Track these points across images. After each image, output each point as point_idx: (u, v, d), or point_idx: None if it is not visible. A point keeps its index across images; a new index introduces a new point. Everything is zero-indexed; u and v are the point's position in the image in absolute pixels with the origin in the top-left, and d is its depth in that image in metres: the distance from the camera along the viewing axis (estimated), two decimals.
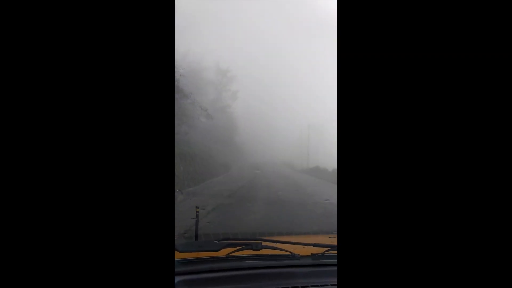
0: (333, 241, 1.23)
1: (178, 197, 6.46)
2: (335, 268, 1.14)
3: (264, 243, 1.13)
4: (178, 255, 1.03)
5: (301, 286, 1.01)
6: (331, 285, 1.01)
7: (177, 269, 0.94)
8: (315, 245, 1.18)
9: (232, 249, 1.10)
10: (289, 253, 1.13)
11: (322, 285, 1.02)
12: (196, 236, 1.37)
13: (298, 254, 1.14)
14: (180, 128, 9.55)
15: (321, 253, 1.16)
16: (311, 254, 1.16)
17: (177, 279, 0.93)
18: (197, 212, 1.44)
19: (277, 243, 1.20)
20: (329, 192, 8.03)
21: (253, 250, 1.10)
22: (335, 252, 1.14)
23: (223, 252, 1.08)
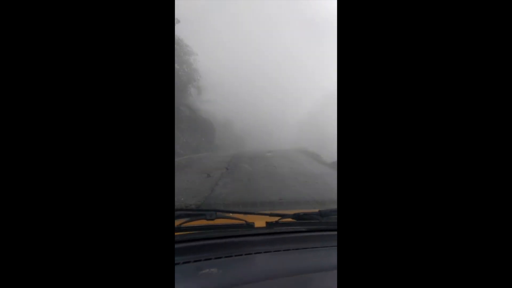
0: (292, 210, 1.35)
1: None
2: (288, 235, 1.19)
3: (218, 213, 1.19)
4: None
5: (255, 253, 1.07)
6: (284, 250, 1.10)
7: None
8: (270, 214, 1.28)
9: (185, 219, 1.15)
10: (244, 222, 1.20)
11: (275, 251, 1.09)
12: None
13: (253, 223, 1.20)
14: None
15: (275, 221, 1.24)
16: (266, 222, 1.23)
17: None
18: None
19: (232, 213, 1.27)
20: None
21: (207, 220, 1.15)
22: (289, 219, 1.26)
23: (177, 222, 1.12)
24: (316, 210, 1.29)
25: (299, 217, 1.27)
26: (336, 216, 1.27)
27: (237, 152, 14.23)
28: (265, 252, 1.08)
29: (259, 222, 1.24)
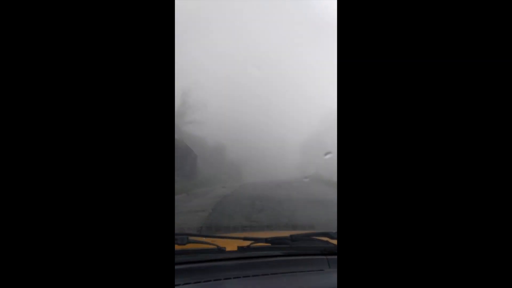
0: (267, 234, 1.44)
1: None
2: (259, 259, 1.28)
3: (190, 238, 1.24)
4: None
5: (224, 278, 1.13)
6: (253, 276, 1.17)
7: None
8: (243, 238, 1.33)
9: None
10: (215, 246, 1.25)
11: (244, 276, 1.16)
12: None
13: (224, 248, 1.25)
14: None
15: (247, 245, 1.29)
16: (237, 246, 1.28)
17: None
18: None
19: (205, 238, 1.34)
20: None
21: (179, 244, 1.19)
22: (261, 244, 1.32)
23: None
24: (287, 235, 1.37)
25: (271, 242, 1.35)
26: (306, 241, 1.39)
27: (233, 190, 11.12)
28: (234, 277, 1.15)
29: (232, 246, 1.30)
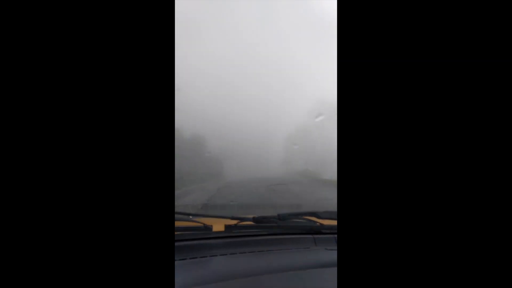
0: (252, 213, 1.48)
1: None
2: (246, 238, 1.33)
3: (177, 216, 1.31)
4: None
5: (210, 256, 1.18)
6: (239, 253, 1.22)
7: None
8: (231, 218, 1.39)
9: None
10: (202, 224, 1.31)
11: (230, 254, 1.21)
12: None
13: (211, 226, 1.32)
14: None
15: (233, 224, 1.36)
16: (224, 225, 1.35)
17: None
18: None
19: (192, 216, 1.40)
20: None
21: None
22: (248, 222, 1.37)
23: None
24: (275, 214, 1.42)
25: (258, 221, 1.41)
26: (293, 220, 1.45)
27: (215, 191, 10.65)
28: (220, 255, 1.21)
29: (218, 225, 1.36)
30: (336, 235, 1.39)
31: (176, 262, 1.09)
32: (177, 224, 1.28)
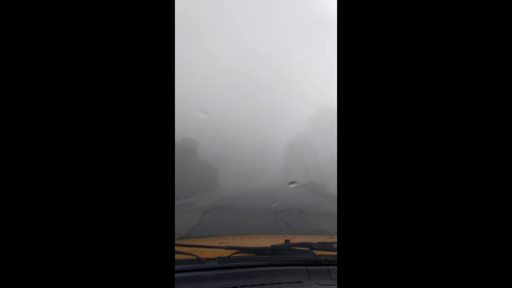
0: (253, 243, 1.66)
1: None
2: (241, 269, 1.33)
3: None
4: None
5: None
6: (232, 287, 1.23)
7: None
8: (226, 248, 1.40)
9: None
10: (195, 257, 1.32)
11: (223, 287, 1.20)
12: None
13: (204, 258, 1.32)
14: None
15: (227, 256, 1.35)
16: (218, 257, 1.34)
17: None
18: None
19: (185, 247, 1.39)
20: None
21: None
22: (242, 254, 1.39)
23: None
24: (269, 245, 1.42)
25: (252, 252, 1.41)
26: (287, 251, 1.44)
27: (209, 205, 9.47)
28: None
29: (212, 255, 1.35)
30: (329, 267, 1.39)
31: None
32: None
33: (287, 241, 1.53)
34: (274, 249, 1.42)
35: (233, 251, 1.39)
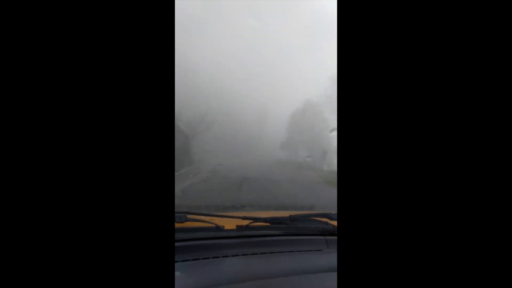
0: (269, 214, 1.57)
1: None
2: (257, 238, 1.35)
3: (189, 216, 1.32)
4: None
5: (222, 256, 1.19)
6: (251, 254, 1.23)
7: None
8: (243, 218, 1.39)
9: None
10: (214, 225, 1.32)
11: (242, 254, 1.22)
12: None
13: (223, 226, 1.32)
14: None
15: (245, 224, 1.36)
16: (236, 226, 1.35)
17: None
18: None
19: (204, 216, 1.39)
20: None
21: (177, 222, 1.26)
22: (259, 223, 1.38)
23: None
24: (287, 215, 1.44)
25: (270, 221, 1.42)
26: (305, 221, 1.46)
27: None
28: (232, 255, 1.22)
29: (230, 225, 1.37)
30: None
31: (189, 262, 1.14)
32: (189, 224, 1.32)
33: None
34: (292, 219, 1.42)
35: (251, 220, 1.39)
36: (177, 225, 1.29)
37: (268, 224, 1.43)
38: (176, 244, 1.20)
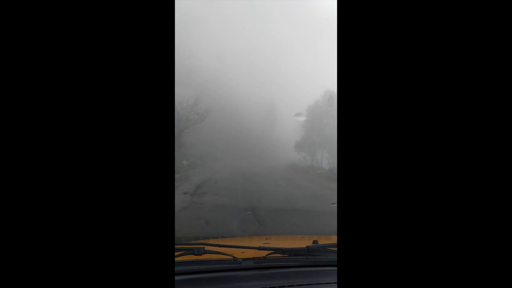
0: (285, 244, 1.58)
1: None
2: (275, 270, 1.35)
3: (206, 248, 1.32)
4: None
5: None
6: (269, 287, 1.22)
7: None
8: (259, 248, 1.39)
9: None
10: (231, 257, 1.32)
11: (261, 287, 1.22)
12: None
13: (241, 258, 1.33)
14: None
15: (263, 256, 1.36)
16: (253, 257, 1.36)
17: None
18: None
19: (220, 248, 1.38)
20: None
21: (195, 255, 1.28)
22: (276, 255, 1.39)
23: None
24: (304, 246, 1.45)
25: (287, 252, 1.43)
26: (323, 252, 1.46)
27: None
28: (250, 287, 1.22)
29: (247, 254, 1.39)
30: None
31: None
32: (207, 257, 1.34)
33: (315, 241, 1.53)
34: (309, 250, 1.42)
35: (269, 251, 1.39)
36: (195, 257, 1.32)
37: (286, 255, 1.44)
38: (195, 276, 1.25)
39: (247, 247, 1.49)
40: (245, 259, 1.37)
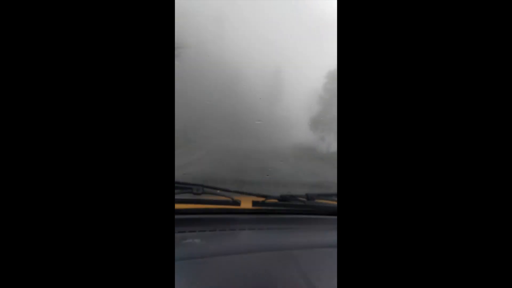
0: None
1: None
2: (273, 215, 1.39)
3: (205, 189, 1.34)
4: None
5: (239, 229, 1.23)
6: (267, 228, 1.27)
7: None
8: (257, 194, 1.42)
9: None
10: (230, 199, 1.35)
11: (258, 229, 1.26)
12: None
13: (239, 200, 1.36)
14: None
15: (261, 201, 1.40)
16: (252, 201, 1.39)
17: None
18: None
19: (220, 190, 1.40)
20: None
21: (194, 194, 1.31)
22: (275, 200, 1.42)
23: None
24: (303, 193, 1.47)
25: (285, 199, 1.46)
26: (321, 201, 1.48)
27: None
28: (249, 229, 1.26)
29: (246, 201, 1.41)
30: None
31: (206, 233, 1.18)
32: (205, 196, 1.35)
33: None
34: (308, 197, 1.45)
35: (266, 197, 1.43)
36: (193, 196, 1.34)
37: (284, 201, 1.46)
38: (193, 215, 1.29)
39: (245, 193, 1.49)
40: (244, 204, 1.38)
